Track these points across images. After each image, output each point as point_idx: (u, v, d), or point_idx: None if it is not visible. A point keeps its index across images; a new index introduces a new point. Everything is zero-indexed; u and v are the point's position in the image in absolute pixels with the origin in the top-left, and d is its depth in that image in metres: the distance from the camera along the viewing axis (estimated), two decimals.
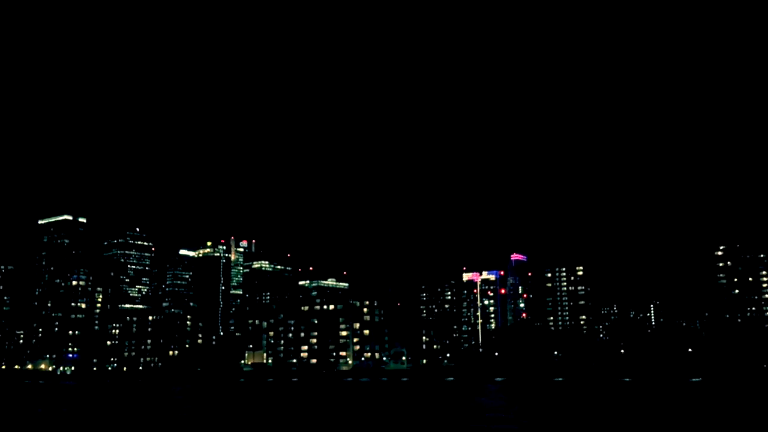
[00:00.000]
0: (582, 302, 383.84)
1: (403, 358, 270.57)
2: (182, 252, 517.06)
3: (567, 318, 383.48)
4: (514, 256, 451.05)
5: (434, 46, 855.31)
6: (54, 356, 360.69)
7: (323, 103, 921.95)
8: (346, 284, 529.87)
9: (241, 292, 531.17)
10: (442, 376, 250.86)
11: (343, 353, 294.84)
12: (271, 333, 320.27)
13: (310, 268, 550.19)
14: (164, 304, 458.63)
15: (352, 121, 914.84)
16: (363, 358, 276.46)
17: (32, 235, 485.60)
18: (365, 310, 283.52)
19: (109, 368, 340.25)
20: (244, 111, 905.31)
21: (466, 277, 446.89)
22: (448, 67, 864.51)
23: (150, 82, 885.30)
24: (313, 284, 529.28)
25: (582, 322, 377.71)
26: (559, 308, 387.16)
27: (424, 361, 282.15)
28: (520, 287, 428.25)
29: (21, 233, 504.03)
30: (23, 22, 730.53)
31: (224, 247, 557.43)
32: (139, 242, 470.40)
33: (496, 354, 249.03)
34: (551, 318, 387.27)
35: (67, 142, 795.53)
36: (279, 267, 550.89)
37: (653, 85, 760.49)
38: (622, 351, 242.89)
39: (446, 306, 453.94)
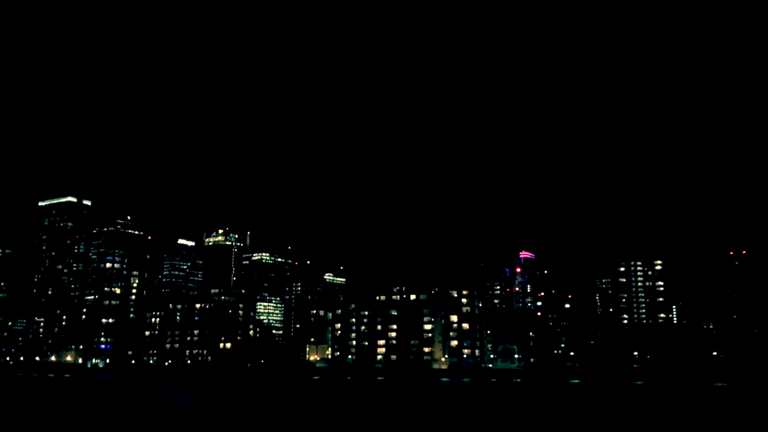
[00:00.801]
0: (660, 299, 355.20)
1: (515, 356, 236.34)
2: (181, 241, 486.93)
3: (644, 315, 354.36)
4: (523, 254, 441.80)
5: (441, 39, 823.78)
6: (81, 347, 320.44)
7: (325, 97, 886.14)
8: (343, 279, 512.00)
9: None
10: (565, 378, 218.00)
11: (426, 349, 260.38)
12: (338, 325, 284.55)
13: (308, 262, 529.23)
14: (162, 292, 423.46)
15: (351, 118, 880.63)
16: (464, 355, 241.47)
17: (32, 218, 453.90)
18: (464, 300, 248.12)
19: (150, 361, 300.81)
20: (241, 103, 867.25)
21: None
22: (457, 60, 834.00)
23: (146, 73, 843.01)
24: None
25: (660, 320, 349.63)
26: (635, 305, 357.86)
27: (532, 359, 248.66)
28: (529, 285, 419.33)
29: (20, 215, 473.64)
30: (25, 10, 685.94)
31: (236, 236, 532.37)
32: (130, 231, 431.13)
33: (635, 354, 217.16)
34: (625, 315, 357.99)
35: (63, 127, 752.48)
36: (280, 259, 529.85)
37: (676, 81, 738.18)
38: None
39: (495, 301, 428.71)
